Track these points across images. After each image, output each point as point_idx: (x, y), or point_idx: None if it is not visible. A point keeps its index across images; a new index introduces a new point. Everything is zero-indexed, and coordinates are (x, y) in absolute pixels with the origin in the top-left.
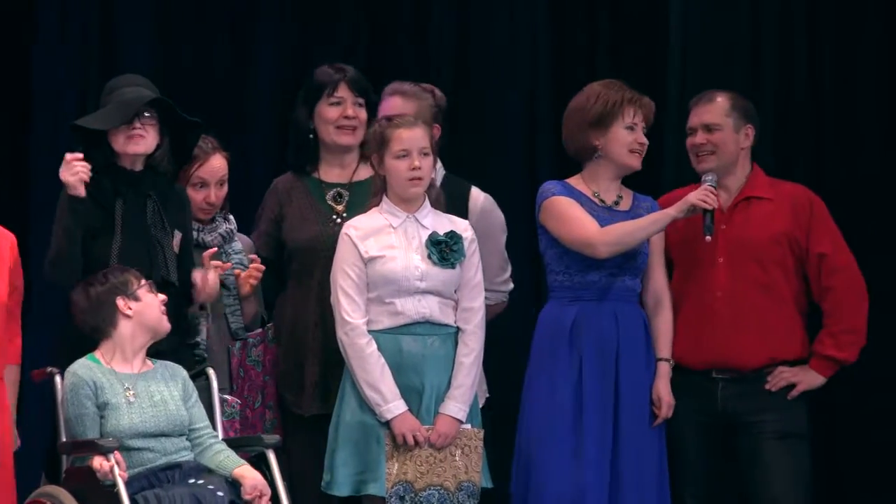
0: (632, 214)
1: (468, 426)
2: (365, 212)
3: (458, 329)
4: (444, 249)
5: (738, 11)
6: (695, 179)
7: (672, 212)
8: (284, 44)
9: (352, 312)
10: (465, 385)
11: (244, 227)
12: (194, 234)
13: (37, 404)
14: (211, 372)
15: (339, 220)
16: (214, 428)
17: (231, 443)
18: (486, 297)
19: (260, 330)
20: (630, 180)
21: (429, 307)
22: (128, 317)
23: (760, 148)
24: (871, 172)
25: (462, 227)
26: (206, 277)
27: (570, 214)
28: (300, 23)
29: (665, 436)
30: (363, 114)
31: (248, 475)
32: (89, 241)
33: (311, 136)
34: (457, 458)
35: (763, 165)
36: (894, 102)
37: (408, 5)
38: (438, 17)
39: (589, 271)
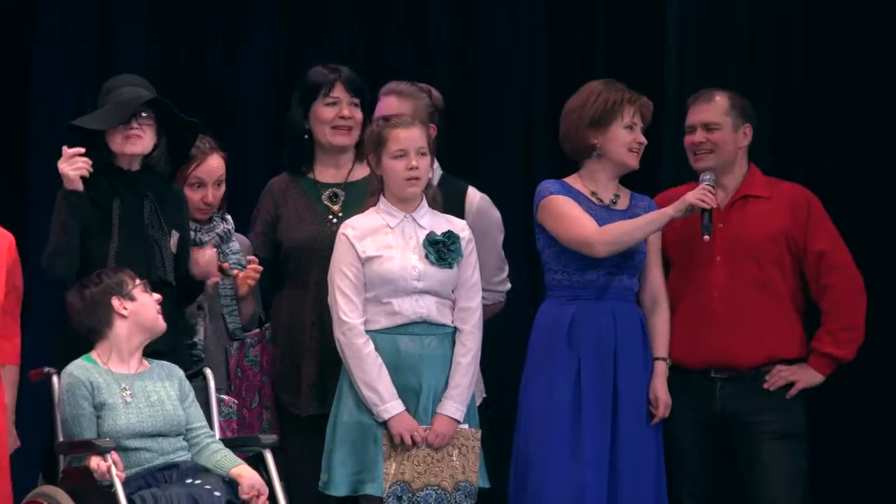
0: (629, 214)
1: (465, 426)
2: (362, 212)
3: (455, 329)
4: (441, 249)
5: (735, 11)
6: (692, 178)
7: (670, 211)
8: (280, 44)
9: (349, 312)
10: (463, 385)
11: (241, 228)
12: (192, 234)
13: (34, 404)
14: (208, 372)
15: (335, 220)
16: (212, 428)
17: (228, 443)
18: (483, 298)
19: (258, 330)
20: (628, 180)
21: (426, 307)
22: (123, 317)
23: (758, 147)
24: (868, 171)
25: (459, 226)
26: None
27: (568, 213)
28: (296, 23)
29: (662, 435)
30: (358, 114)
31: (246, 475)
32: (87, 241)
33: (306, 136)
34: (454, 458)
35: (760, 165)
36: (892, 101)
37: (405, 5)
38: (436, 16)
39: (587, 270)
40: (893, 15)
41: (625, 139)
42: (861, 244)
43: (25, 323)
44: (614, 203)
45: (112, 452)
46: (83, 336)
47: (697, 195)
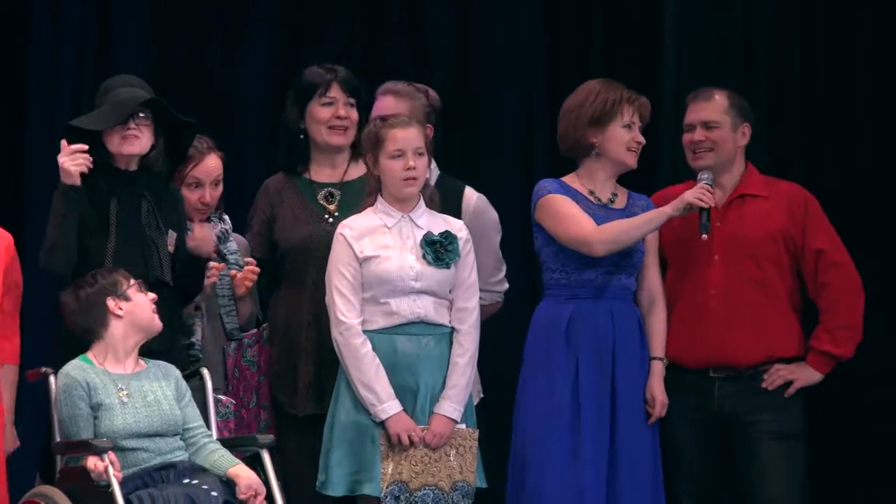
0: (627, 213)
1: (463, 426)
2: (359, 212)
3: (452, 329)
4: (438, 249)
5: (732, 11)
6: (690, 178)
7: (668, 210)
8: (278, 44)
9: (347, 312)
10: (460, 385)
11: (239, 228)
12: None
13: (31, 404)
14: (205, 372)
15: (331, 220)
16: (209, 428)
17: (225, 443)
18: (480, 298)
19: (255, 330)
20: (625, 179)
21: (423, 307)
22: (119, 317)
23: (755, 146)
24: (865, 170)
25: (457, 227)
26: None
27: (566, 212)
28: (294, 23)
29: (658, 435)
30: (354, 114)
31: (243, 475)
32: (84, 240)
33: (301, 136)
34: (451, 458)
35: (758, 164)
36: (889, 101)
37: (403, 5)
38: (434, 16)
39: (585, 269)
40: (890, 15)
41: (623, 138)
42: (858, 244)
43: (23, 323)
44: (612, 202)
45: (109, 452)
46: (78, 337)
47: (696, 194)
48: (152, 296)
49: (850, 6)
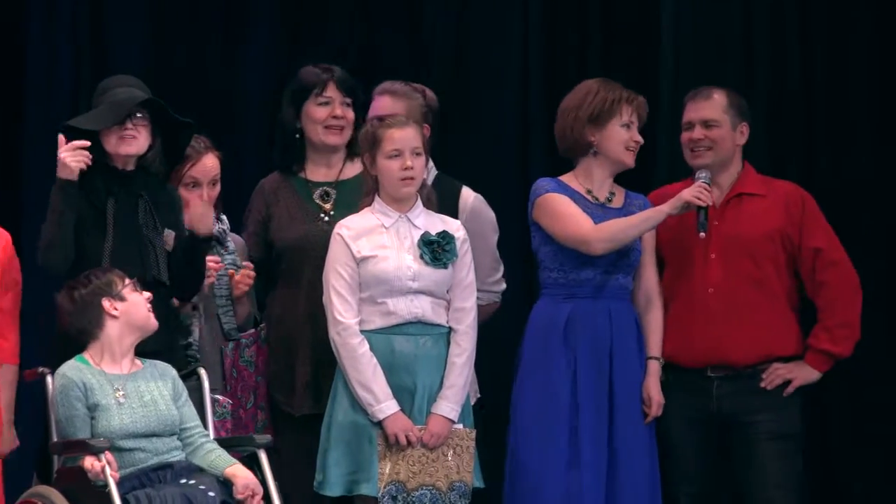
0: (624, 212)
1: (460, 426)
2: (357, 212)
3: (450, 329)
4: (436, 249)
5: (729, 11)
6: (687, 177)
7: (666, 208)
8: (276, 44)
9: (344, 312)
10: (458, 385)
11: (236, 228)
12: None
13: (29, 404)
14: (202, 372)
15: (326, 219)
16: (206, 428)
17: (222, 442)
18: (478, 298)
19: (253, 331)
20: (623, 179)
21: (421, 307)
22: (114, 317)
23: (754, 145)
24: (863, 169)
25: (454, 227)
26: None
27: (564, 211)
28: (292, 23)
29: (655, 434)
30: (350, 114)
31: (240, 474)
32: (82, 240)
33: (297, 135)
34: (449, 458)
35: (756, 163)
36: (886, 100)
37: (400, 5)
38: (431, 16)
39: (583, 268)
40: (887, 13)
41: (622, 137)
42: (856, 242)
43: (20, 322)
44: (609, 201)
45: (106, 452)
46: (74, 337)
47: (693, 192)
48: (147, 295)
49: (848, 5)
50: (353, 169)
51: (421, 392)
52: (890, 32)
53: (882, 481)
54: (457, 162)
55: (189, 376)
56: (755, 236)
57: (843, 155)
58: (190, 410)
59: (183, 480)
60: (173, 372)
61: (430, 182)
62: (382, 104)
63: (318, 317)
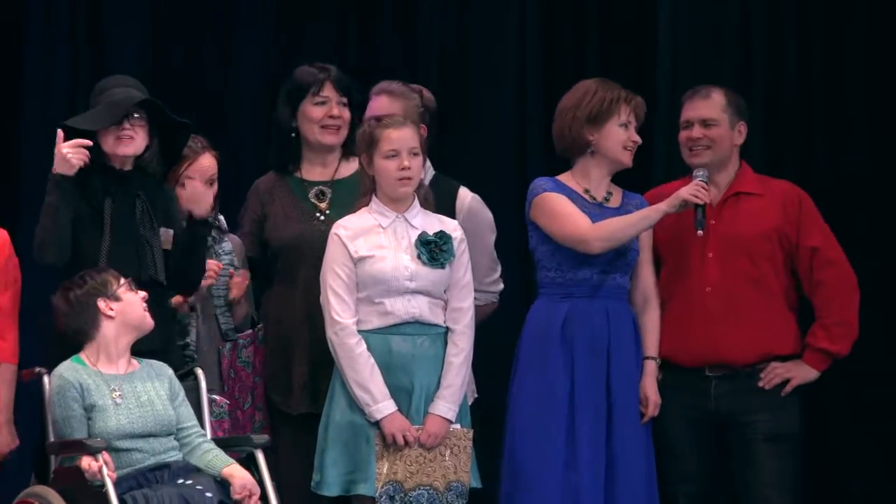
0: (622, 211)
1: (458, 426)
2: (354, 212)
3: (447, 329)
4: (433, 249)
5: (726, 10)
6: (684, 176)
7: (664, 207)
8: (272, 44)
9: (342, 312)
10: (455, 385)
11: (234, 227)
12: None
13: (26, 404)
14: (199, 372)
15: (322, 218)
16: (203, 428)
17: (219, 443)
18: (475, 298)
19: (250, 331)
20: (620, 178)
21: (418, 307)
22: (110, 318)
23: (751, 143)
24: (860, 166)
25: (451, 227)
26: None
27: (562, 211)
28: (288, 23)
29: (651, 434)
30: (347, 113)
31: (238, 475)
32: (79, 240)
33: (293, 134)
34: (446, 458)
35: (754, 161)
36: (883, 97)
37: (396, 5)
38: (428, 16)
39: (581, 268)
40: (884, 11)
41: (620, 136)
42: (853, 241)
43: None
44: (607, 200)
45: (103, 452)
46: (70, 338)
47: (691, 190)
48: (143, 294)
49: (844, 3)
50: (349, 168)
51: (418, 392)
52: (887, 30)
53: (881, 480)
54: (454, 162)
55: (186, 376)
56: (752, 235)
57: (840, 153)
58: (187, 410)
59: (180, 481)
60: (170, 371)
61: (427, 182)
62: (379, 104)
63: (314, 316)
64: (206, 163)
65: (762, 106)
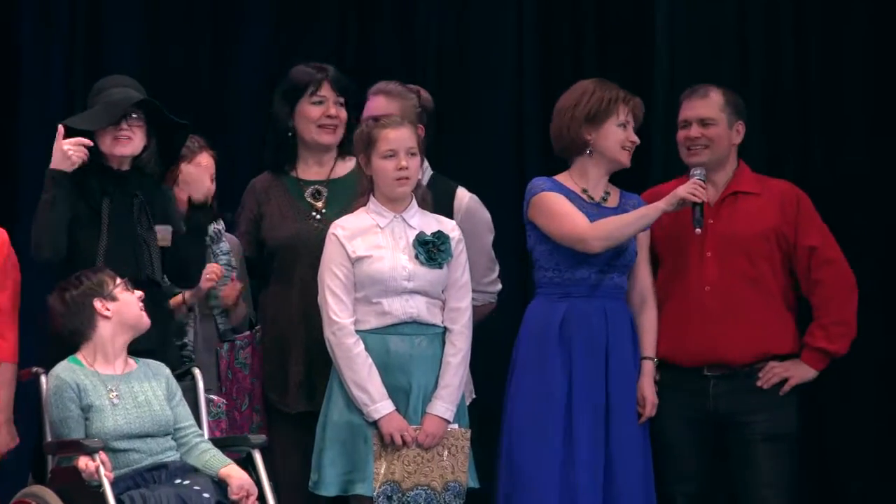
0: (619, 211)
1: (455, 426)
2: (351, 212)
3: (445, 329)
4: (431, 249)
5: (723, 10)
6: (681, 175)
7: (662, 205)
8: (270, 44)
9: (339, 312)
10: (453, 385)
11: (231, 228)
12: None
13: (24, 403)
14: (197, 372)
15: (318, 217)
16: (200, 428)
17: (217, 443)
18: (473, 298)
19: (248, 333)
20: (618, 178)
21: (416, 307)
22: (106, 318)
23: (749, 142)
24: (858, 165)
25: (449, 227)
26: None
27: (559, 210)
28: (286, 23)
29: (649, 434)
30: (343, 113)
31: (235, 475)
32: (76, 239)
33: (290, 134)
34: (444, 458)
35: (752, 160)
36: (880, 95)
37: (394, 5)
38: (425, 16)
39: (579, 268)
40: (881, 8)
41: (618, 136)
42: (851, 241)
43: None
44: (605, 200)
45: (100, 452)
46: (66, 338)
47: (688, 189)
48: (139, 294)
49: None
50: (345, 167)
51: (416, 392)
52: (884, 29)
53: (878, 480)
54: (452, 162)
55: (184, 376)
56: (751, 235)
57: (837, 152)
58: (184, 410)
59: (177, 481)
60: (167, 371)
61: (425, 182)
62: (377, 104)
63: (311, 315)
64: (204, 162)
65: (760, 105)
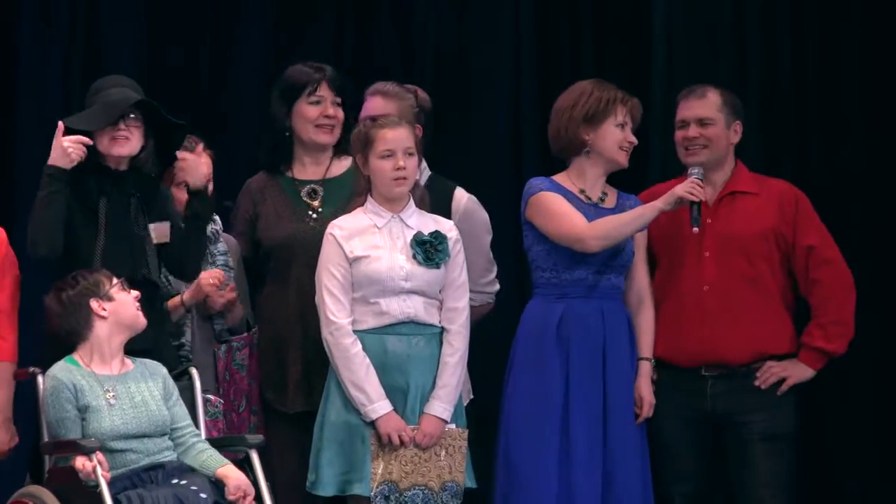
0: (617, 211)
1: (453, 426)
2: (349, 212)
3: (442, 329)
4: (428, 249)
5: (721, 10)
6: (679, 175)
7: (659, 204)
8: (270, 44)
9: (337, 312)
10: (450, 385)
11: (229, 228)
12: None
13: (21, 403)
14: (194, 372)
15: (314, 216)
16: (197, 428)
17: (214, 443)
18: (470, 299)
19: (246, 334)
20: (616, 178)
21: (413, 307)
22: (103, 318)
23: (747, 143)
24: (856, 164)
25: (447, 227)
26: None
27: (557, 210)
28: (284, 23)
29: (646, 434)
30: (341, 113)
31: (232, 475)
32: (74, 239)
33: (287, 133)
34: (441, 458)
35: (749, 159)
36: (878, 94)
37: (391, 5)
38: (423, 16)
39: (576, 268)
40: (879, 7)
41: (616, 137)
42: (849, 240)
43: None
44: (602, 201)
45: (97, 452)
46: (63, 339)
47: (686, 188)
48: (135, 293)
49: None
50: (341, 167)
51: (413, 392)
52: (881, 28)
53: (876, 480)
54: (450, 162)
55: (181, 376)
56: (749, 234)
57: (835, 151)
58: (181, 410)
59: (175, 481)
60: (164, 371)
61: (423, 183)
62: (374, 105)
63: (308, 315)
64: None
65: (757, 105)
